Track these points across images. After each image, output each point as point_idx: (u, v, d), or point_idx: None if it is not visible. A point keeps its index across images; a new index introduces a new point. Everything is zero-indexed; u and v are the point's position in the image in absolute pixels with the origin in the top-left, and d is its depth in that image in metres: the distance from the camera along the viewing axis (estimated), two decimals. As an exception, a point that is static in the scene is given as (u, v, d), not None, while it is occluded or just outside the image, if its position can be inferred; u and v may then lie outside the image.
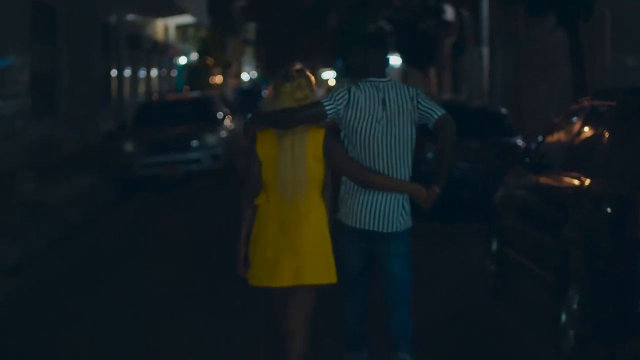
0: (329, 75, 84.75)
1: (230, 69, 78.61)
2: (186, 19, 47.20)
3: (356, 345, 6.90)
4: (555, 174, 8.78)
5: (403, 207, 6.66)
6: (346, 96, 6.47)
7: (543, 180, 9.03)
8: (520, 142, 16.71)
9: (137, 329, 9.30)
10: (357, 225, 6.54)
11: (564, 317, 7.83)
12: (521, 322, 9.58)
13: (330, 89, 48.39)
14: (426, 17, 31.45)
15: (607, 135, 7.96)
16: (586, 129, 8.54)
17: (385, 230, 6.58)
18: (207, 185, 21.04)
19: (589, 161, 8.06)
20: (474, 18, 26.55)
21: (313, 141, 6.18)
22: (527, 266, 9.21)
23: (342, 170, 6.34)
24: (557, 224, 8.14)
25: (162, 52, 44.65)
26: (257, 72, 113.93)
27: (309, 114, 6.22)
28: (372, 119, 6.47)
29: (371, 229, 6.55)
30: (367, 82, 6.58)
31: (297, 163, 6.13)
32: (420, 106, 6.59)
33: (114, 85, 33.54)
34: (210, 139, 20.85)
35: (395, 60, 45.05)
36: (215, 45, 59.00)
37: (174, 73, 51.40)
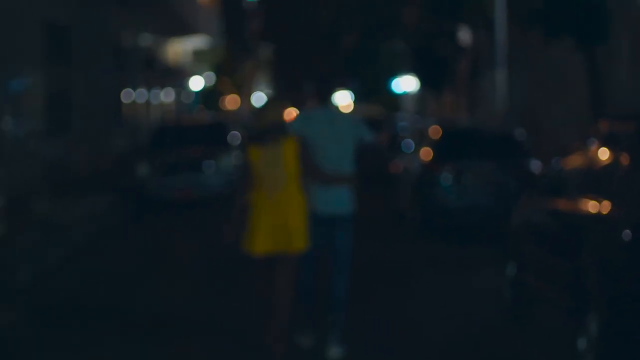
0: (344, 96, 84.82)
1: (245, 90, 78.83)
2: (200, 40, 47.37)
3: (307, 299, 9.00)
4: (573, 198, 8.71)
5: (348, 195, 8.88)
6: (302, 118, 9.03)
7: (561, 204, 8.96)
8: (536, 164, 16.63)
9: (152, 348, 9.32)
10: (321, 211, 8.76)
11: (582, 342, 7.79)
12: (539, 347, 9.49)
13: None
14: (442, 40, 31.43)
15: (625, 158, 7.89)
16: (604, 152, 8.47)
17: (339, 213, 8.83)
18: (221, 208, 20.99)
19: (607, 185, 8.00)
20: (490, 40, 26.50)
21: (287, 149, 8.51)
22: (544, 291, 9.16)
23: (306, 170, 8.59)
24: (576, 249, 8.08)
25: (175, 74, 44.78)
26: (272, 93, 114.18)
27: (278, 130, 8.47)
28: (323, 135, 8.83)
29: (330, 213, 8.79)
30: (319, 108, 9.04)
31: (276, 165, 8.48)
32: (359, 128, 9.03)
33: (128, 106, 33.62)
34: (225, 162, 20.83)
35: (411, 82, 45.10)
36: (229, 67, 59.16)
37: (188, 94, 51.53)
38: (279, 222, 8.47)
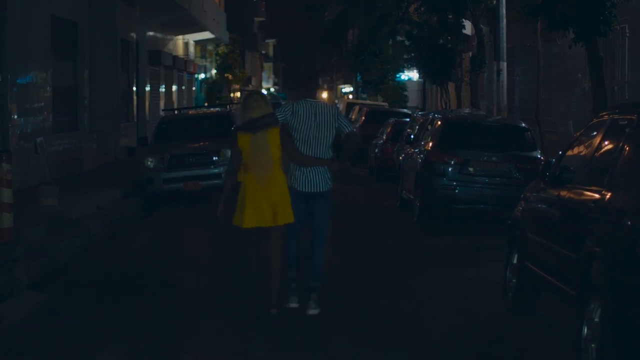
0: (348, 90, 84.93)
1: (250, 85, 78.81)
2: (206, 35, 47.40)
3: (291, 265, 10.41)
4: (576, 188, 8.81)
5: (326, 175, 10.25)
6: (290, 109, 10.21)
7: (564, 194, 9.06)
8: (539, 155, 16.73)
9: (163, 343, 9.40)
10: (302, 189, 10.18)
11: (585, 330, 7.83)
12: (542, 335, 9.60)
13: (347, 101, 48.56)
14: (445, 33, 31.45)
15: (628, 148, 7.99)
16: (607, 142, 8.57)
17: (317, 191, 10.21)
18: (228, 199, 21.08)
19: (610, 175, 8.08)
20: (493, 33, 26.55)
21: (272, 136, 10.00)
22: (548, 279, 9.23)
23: (288, 154, 10.08)
24: (579, 238, 8.15)
25: (182, 68, 44.83)
26: (276, 87, 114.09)
27: (267, 121, 10.00)
28: (307, 124, 10.16)
29: (310, 190, 10.19)
30: (305, 101, 10.29)
31: (263, 151, 9.93)
32: (338, 120, 10.28)
33: (135, 100, 33.70)
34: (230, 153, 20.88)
35: (413, 75, 45.11)
36: (234, 61, 59.16)
37: (194, 89, 51.59)
38: (265, 200, 9.96)
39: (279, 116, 10.09)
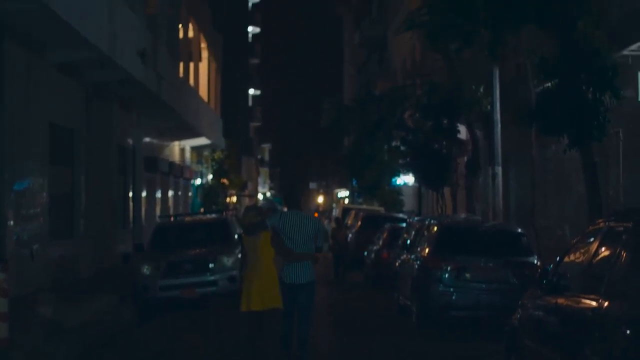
0: (344, 194, 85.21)
1: (246, 189, 79.04)
2: (202, 140, 47.67)
3: (287, 345, 12.30)
4: (573, 296, 8.80)
5: (310, 268, 12.46)
6: (279, 217, 12.52)
7: (561, 301, 9.05)
8: (536, 261, 16.71)
9: None
10: (289, 281, 12.34)
11: None
12: None
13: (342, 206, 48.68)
14: (440, 137, 31.67)
15: (624, 255, 8.00)
16: (603, 250, 8.59)
17: (302, 282, 12.34)
18: (225, 306, 20.98)
19: (607, 282, 8.09)
20: (488, 137, 26.74)
21: (264, 238, 12.30)
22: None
23: (278, 251, 12.28)
24: (577, 346, 8.13)
25: (178, 174, 44.98)
26: (272, 192, 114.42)
27: (260, 225, 12.28)
28: (293, 229, 12.40)
29: (295, 282, 12.33)
30: (292, 212, 12.63)
31: (255, 249, 12.29)
32: (316, 232, 12.55)
33: (131, 206, 33.73)
34: (227, 260, 20.88)
35: (409, 179, 45.28)
36: (230, 166, 59.41)
37: (190, 194, 51.70)
38: (256, 288, 12.10)
39: (268, 221, 12.45)
